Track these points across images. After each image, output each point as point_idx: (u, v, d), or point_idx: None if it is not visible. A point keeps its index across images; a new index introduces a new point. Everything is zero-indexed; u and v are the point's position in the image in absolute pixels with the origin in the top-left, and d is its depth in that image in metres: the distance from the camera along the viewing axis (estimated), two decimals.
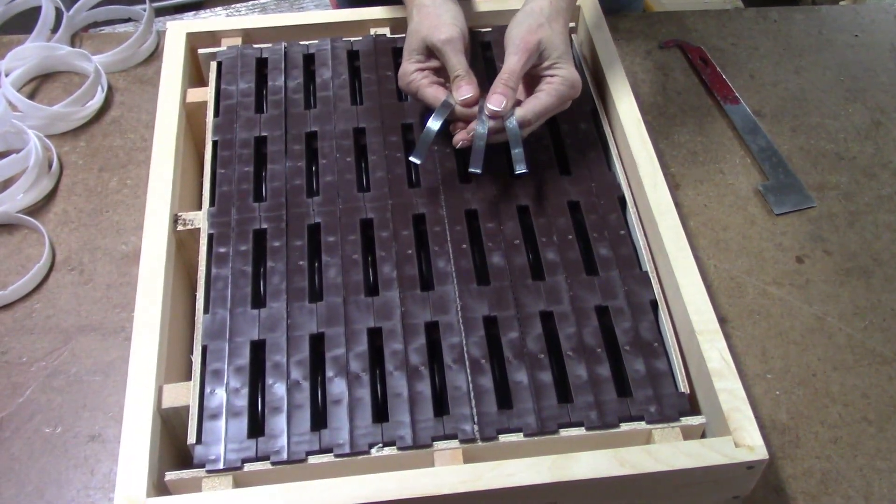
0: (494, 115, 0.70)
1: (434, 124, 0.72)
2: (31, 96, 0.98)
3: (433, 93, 0.73)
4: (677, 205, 0.86)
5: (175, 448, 0.64)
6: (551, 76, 0.72)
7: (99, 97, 0.96)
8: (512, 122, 0.70)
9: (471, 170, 0.70)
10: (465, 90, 0.72)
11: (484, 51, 0.86)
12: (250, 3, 1.58)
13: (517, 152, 0.70)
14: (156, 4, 1.06)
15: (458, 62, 0.72)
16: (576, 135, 0.78)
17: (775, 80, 1.00)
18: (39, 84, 0.99)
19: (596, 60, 0.84)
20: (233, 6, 1.39)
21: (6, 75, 0.95)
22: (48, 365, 0.77)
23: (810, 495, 0.69)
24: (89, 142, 0.94)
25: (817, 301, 0.81)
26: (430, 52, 0.74)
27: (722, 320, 0.79)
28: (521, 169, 0.70)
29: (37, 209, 0.88)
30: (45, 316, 0.80)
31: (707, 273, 0.82)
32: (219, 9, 1.41)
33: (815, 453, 0.71)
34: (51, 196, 0.89)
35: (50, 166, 0.90)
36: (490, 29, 0.87)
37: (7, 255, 0.84)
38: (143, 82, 1.00)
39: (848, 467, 0.71)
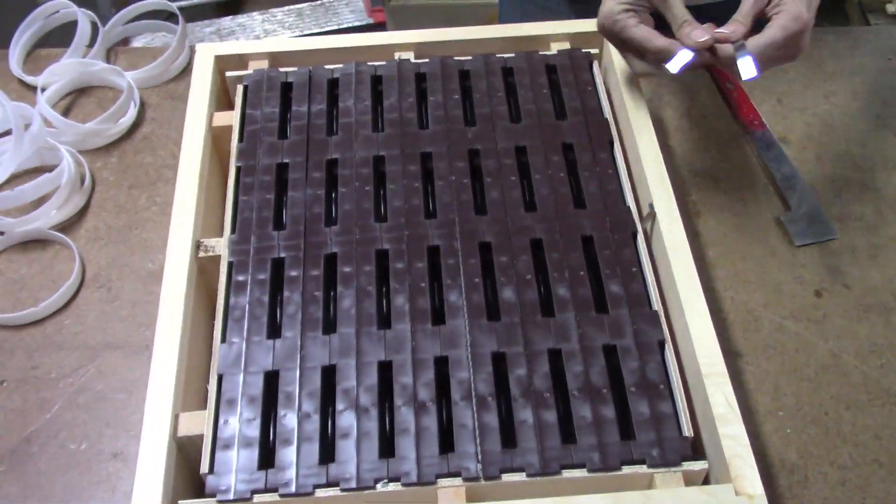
0: (723, 39, 0.72)
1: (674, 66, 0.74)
2: (67, 111, 1.00)
3: (642, 32, 0.75)
4: (696, 233, 0.87)
5: (191, 476, 0.67)
6: (776, 13, 0.72)
7: (131, 113, 0.98)
8: (743, 54, 0.71)
9: (668, 66, 0.74)
10: (698, 34, 0.73)
11: (506, 77, 0.86)
12: (286, 8, 1.60)
13: (741, 61, 0.71)
14: (187, 2, 1.08)
15: (682, 11, 0.74)
16: (593, 167, 0.78)
17: (803, 105, 0.99)
18: (75, 99, 1.02)
19: (617, 90, 0.84)
20: (269, 11, 1.40)
21: (43, 90, 0.98)
22: (75, 381, 0.79)
23: None
24: (121, 158, 0.96)
25: (833, 337, 0.80)
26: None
27: (736, 354, 0.79)
28: (749, 75, 0.72)
29: (69, 225, 0.90)
30: (74, 332, 0.83)
31: (723, 305, 0.82)
32: (255, 13, 1.43)
33: (822, 494, 0.71)
34: (83, 212, 0.92)
35: (82, 182, 0.92)
36: (512, 55, 0.88)
37: (40, 271, 0.87)
38: (175, 98, 1.02)
39: None
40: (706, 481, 0.64)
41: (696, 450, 0.65)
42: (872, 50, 1.05)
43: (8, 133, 0.90)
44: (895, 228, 0.88)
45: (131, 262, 0.88)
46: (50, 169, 0.92)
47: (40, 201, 0.90)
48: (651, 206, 0.75)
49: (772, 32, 0.71)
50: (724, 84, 1.00)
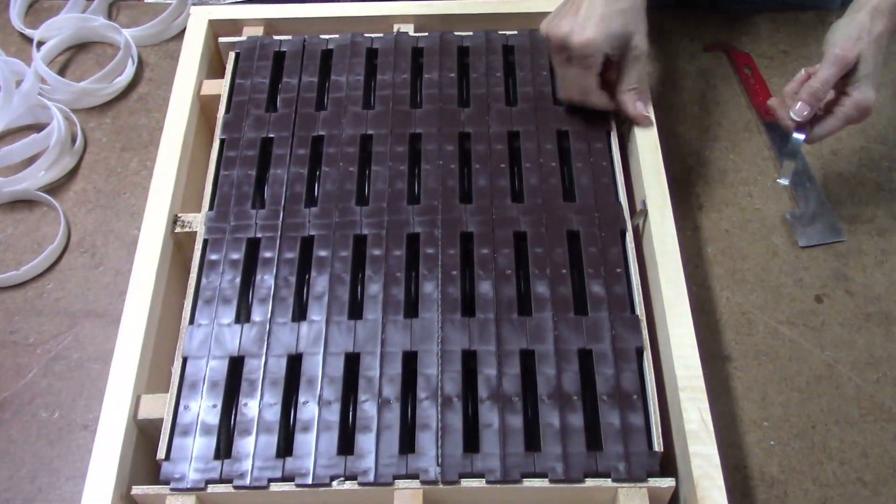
0: (797, 125, 0.74)
1: None
2: (65, 67, 0.99)
3: (593, 80, 0.75)
4: (697, 228, 0.84)
5: (153, 460, 0.66)
6: (846, 96, 0.72)
7: (128, 72, 0.96)
8: (799, 138, 0.74)
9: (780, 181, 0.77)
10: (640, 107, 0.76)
11: (506, 55, 0.83)
12: None
13: (787, 164, 0.76)
14: None
15: (634, 77, 0.75)
16: (587, 157, 0.75)
17: None
18: (73, 54, 1.00)
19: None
20: None
21: (40, 45, 0.96)
22: (52, 348, 0.79)
23: None
24: (115, 119, 0.94)
25: (830, 346, 0.77)
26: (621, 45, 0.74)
27: (725, 359, 0.76)
28: (783, 181, 0.76)
29: (58, 186, 0.89)
30: (55, 298, 0.82)
31: (717, 306, 0.79)
32: None
33: None
34: (73, 173, 0.90)
35: (74, 142, 0.91)
36: (515, 32, 0.84)
37: (25, 233, 0.86)
38: (174, 58, 0.98)
39: None
40: (675, 498, 0.62)
41: (668, 465, 0.63)
42: None
43: None
44: None
45: (117, 228, 0.86)
46: (43, 127, 0.90)
47: (31, 160, 0.88)
48: (644, 202, 0.71)
49: (834, 123, 0.74)
50: (741, 69, 0.95)
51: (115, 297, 0.82)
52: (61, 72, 0.98)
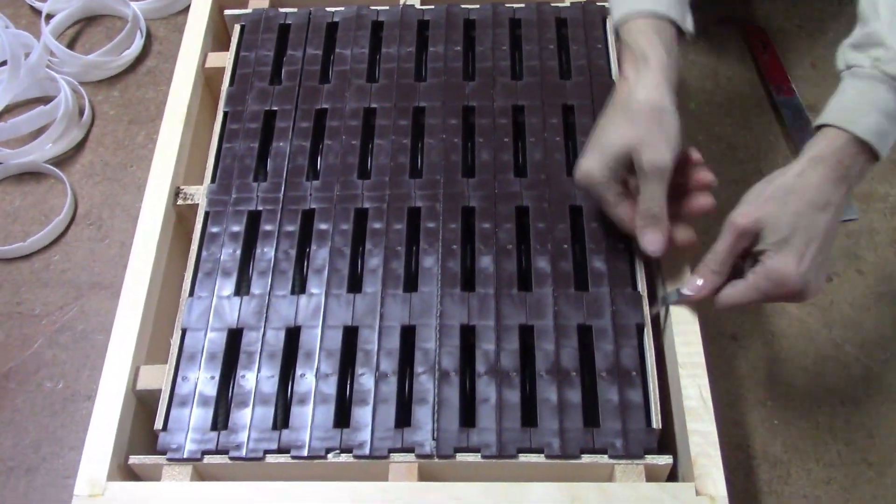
0: (687, 298, 0.62)
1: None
2: (74, 39, 0.99)
3: (622, 214, 0.63)
4: None
5: (151, 430, 0.66)
6: (759, 266, 0.59)
7: (137, 45, 0.96)
8: (684, 293, 0.63)
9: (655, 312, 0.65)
10: (650, 240, 0.62)
11: (513, 29, 0.82)
12: None
13: (668, 296, 0.65)
14: None
15: (656, 197, 0.60)
16: (591, 132, 0.74)
17: None
18: (83, 27, 1.00)
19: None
20: None
21: (49, 18, 0.96)
22: (58, 320, 0.79)
23: None
24: (123, 92, 0.95)
25: (838, 326, 0.76)
26: (631, 164, 0.61)
27: (731, 337, 0.76)
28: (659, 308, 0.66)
29: (65, 159, 0.90)
30: (61, 270, 0.82)
31: None
32: None
33: (803, 492, 0.68)
34: (80, 146, 0.91)
35: (81, 115, 0.91)
36: (522, 5, 0.83)
37: (33, 205, 0.86)
38: (183, 31, 0.99)
39: None
40: (673, 476, 0.61)
41: (667, 443, 0.62)
42: None
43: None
44: None
45: (124, 200, 0.87)
46: (51, 100, 0.90)
47: (38, 132, 0.89)
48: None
49: (744, 293, 0.60)
50: (755, 44, 0.94)
51: (121, 270, 0.80)
52: (70, 45, 0.98)
